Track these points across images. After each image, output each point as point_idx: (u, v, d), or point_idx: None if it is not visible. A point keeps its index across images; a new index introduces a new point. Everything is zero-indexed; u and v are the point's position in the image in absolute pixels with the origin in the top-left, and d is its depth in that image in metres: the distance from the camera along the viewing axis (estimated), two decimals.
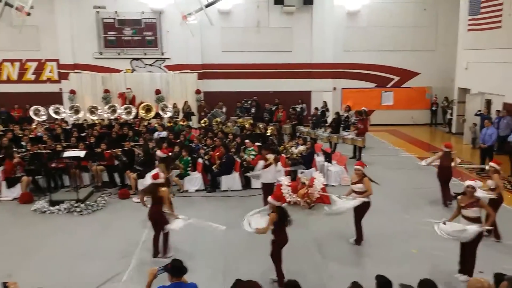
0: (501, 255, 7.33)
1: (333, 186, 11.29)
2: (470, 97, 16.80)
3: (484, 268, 6.32)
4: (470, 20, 16.72)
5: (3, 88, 19.63)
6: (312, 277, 6.71)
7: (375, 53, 20.74)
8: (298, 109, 18.13)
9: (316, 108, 17.58)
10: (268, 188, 9.02)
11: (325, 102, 18.52)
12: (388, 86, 21.32)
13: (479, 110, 15.75)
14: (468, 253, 6.49)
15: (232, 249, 7.73)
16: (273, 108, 18.02)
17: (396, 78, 21.30)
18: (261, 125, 14.84)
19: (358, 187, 7.68)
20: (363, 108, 15.73)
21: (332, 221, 8.72)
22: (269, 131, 13.99)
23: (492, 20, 15.33)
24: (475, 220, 6.40)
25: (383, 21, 20.47)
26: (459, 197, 6.71)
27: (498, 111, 14.66)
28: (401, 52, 20.75)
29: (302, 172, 11.03)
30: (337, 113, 16.03)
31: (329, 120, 17.07)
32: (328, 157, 12.35)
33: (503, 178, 9.81)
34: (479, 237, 6.32)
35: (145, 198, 7.69)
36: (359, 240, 7.91)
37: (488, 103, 16.01)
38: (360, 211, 7.68)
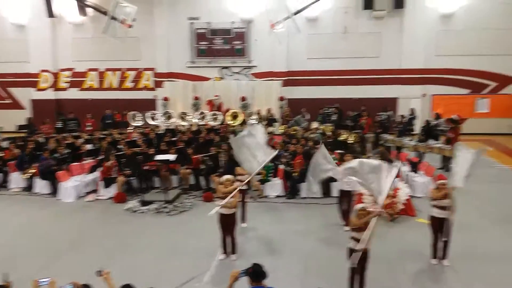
0: None
1: (419, 197, 10.80)
2: None
3: None
4: None
5: (105, 95, 21.55)
6: None
7: (470, 57, 19.51)
8: (384, 117, 17.61)
9: (402, 116, 16.95)
10: (346, 196, 8.89)
11: (412, 109, 17.79)
12: (483, 92, 19.92)
13: None
14: None
15: (311, 257, 7.77)
16: (352, 115, 17.71)
17: (493, 84, 19.82)
18: (344, 133, 14.67)
19: (446, 202, 7.20)
20: (455, 115, 14.84)
21: (415, 235, 8.42)
22: (351, 139, 13.78)
23: None
24: None
25: (482, 23, 19.14)
26: None
27: None
28: (501, 57, 19.27)
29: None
30: (427, 121, 15.33)
31: (417, 128, 16.37)
32: (414, 167, 11.90)
33: None
34: None
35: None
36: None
37: None
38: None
